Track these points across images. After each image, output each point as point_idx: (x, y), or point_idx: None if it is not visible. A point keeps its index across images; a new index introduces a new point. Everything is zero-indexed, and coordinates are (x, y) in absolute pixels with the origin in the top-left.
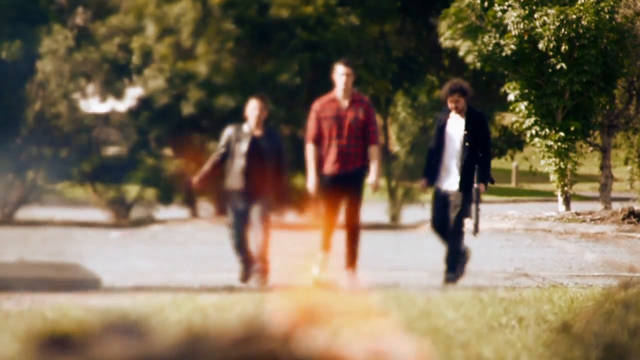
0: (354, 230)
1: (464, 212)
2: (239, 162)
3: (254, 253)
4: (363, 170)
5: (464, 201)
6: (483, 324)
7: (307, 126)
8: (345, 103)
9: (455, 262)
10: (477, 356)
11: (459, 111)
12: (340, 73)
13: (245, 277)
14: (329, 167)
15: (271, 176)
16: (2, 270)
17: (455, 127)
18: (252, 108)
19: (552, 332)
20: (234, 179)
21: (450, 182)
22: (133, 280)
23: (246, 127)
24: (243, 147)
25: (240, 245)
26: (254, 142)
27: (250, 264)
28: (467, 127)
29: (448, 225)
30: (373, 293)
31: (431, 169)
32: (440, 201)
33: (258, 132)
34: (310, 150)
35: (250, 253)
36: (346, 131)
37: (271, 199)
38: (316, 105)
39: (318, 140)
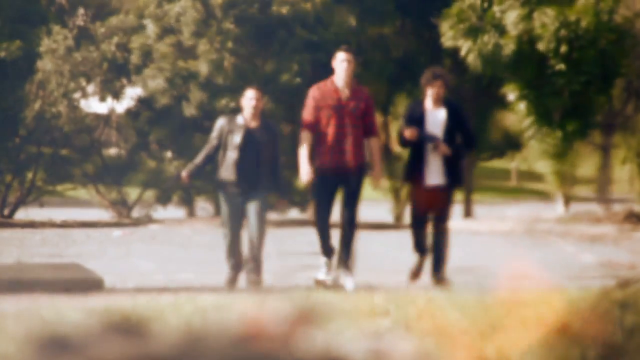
0: (350, 228)
1: (450, 207)
2: (231, 155)
3: (246, 252)
4: (363, 166)
5: (449, 197)
6: (486, 324)
7: (304, 113)
8: (346, 92)
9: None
10: (480, 356)
11: (437, 99)
12: (340, 60)
13: (232, 281)
14: (327, 160)
15: (267, 169)
16: (1, 272)
17: (435, 119)
18: (249, 98)
19: (550, 333)
20: (227, 171)
21: (435, 176)
22: (134, 281)
23: (240, 119)
24: (236, 139)
25: (233, 248)
26: (249, 134)
27: (240, 268)
28: (449, 118)
29: (426, 222)
30: (374, 293)
31: (414, 164)
32: (424, 196)
33: (253, 124)
34: (305, 139)
35: (241, 256)
36: (346, 121)
37: (267, 194)
38: (315, 93)
39: (314, 129)
